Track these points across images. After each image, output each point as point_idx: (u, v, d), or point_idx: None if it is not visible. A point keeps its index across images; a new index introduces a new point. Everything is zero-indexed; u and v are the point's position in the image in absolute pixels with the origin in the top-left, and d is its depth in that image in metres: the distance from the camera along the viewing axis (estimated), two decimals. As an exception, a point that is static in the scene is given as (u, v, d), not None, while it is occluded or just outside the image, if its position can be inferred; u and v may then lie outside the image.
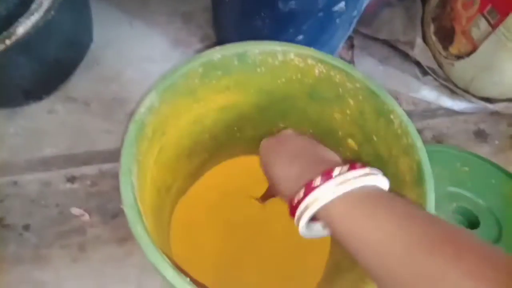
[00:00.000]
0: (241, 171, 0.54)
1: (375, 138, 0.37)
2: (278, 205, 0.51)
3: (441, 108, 0.69)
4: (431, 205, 0.29)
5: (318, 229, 0.29)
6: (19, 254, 0.50)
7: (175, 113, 0.36)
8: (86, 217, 0.53)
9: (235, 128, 0.47)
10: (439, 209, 0.56)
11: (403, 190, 0.33)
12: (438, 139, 0.67)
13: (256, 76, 0.38)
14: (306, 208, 0.27)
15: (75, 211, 0.54)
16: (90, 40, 0.59)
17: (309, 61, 0.36)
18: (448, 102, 0.68)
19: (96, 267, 0.51)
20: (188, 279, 0.24)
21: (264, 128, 0.47)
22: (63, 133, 0.56)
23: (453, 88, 0.66)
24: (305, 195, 0.27)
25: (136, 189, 0.28)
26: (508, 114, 0.68)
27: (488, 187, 0.56)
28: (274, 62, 0.37)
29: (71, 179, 0.56)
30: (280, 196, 0.33)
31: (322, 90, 0.38)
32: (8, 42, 0.36)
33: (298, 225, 0.29)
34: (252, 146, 0.51)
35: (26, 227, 0.52)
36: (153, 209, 0.36)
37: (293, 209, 0.29)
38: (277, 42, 0.36)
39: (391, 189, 0.28)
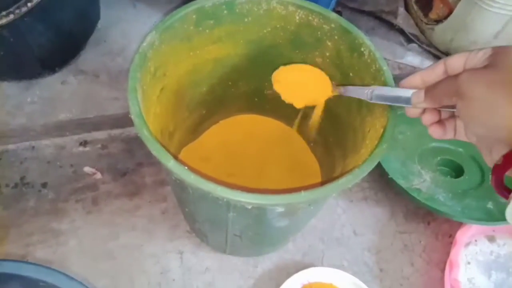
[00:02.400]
0: (238, 129, 0.59)
1: (351, 74, 0.42)
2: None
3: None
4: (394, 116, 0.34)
5: None
6: (38, 208, 0.55)
7: (174, 57, 0.41)
8: (98, 175, 0.59)
9: (230, 83, 0.52)
10: (425, 163, 0.60)
11: (373, 111, 0.38)
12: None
13: (244, 26, 0.43)
14: None
15: (88, 170, 0.59)
16: (98, 17, 0.65)
17: (290, 8, 0.41)
18: (431, 65, 0.73)
19: (108, 218, 0.56)
20: (186, 167, 0.29)
21: (254, 83, 0.52)
22: (75, 100, 0.61)
23: (435, 52, 0.70)
24: None
25: (142, 107, 0.33)
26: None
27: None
28: (259, 11, 0.42)
29: (83, 143, 0.61)
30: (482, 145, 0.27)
31: (303, 35, 0.43)
32: (29, 4, 0.42)
33: None
34: (246, 104, 0.56)
35: (44, 185, 0.57)
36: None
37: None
38: (260, -9, 0.41)
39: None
